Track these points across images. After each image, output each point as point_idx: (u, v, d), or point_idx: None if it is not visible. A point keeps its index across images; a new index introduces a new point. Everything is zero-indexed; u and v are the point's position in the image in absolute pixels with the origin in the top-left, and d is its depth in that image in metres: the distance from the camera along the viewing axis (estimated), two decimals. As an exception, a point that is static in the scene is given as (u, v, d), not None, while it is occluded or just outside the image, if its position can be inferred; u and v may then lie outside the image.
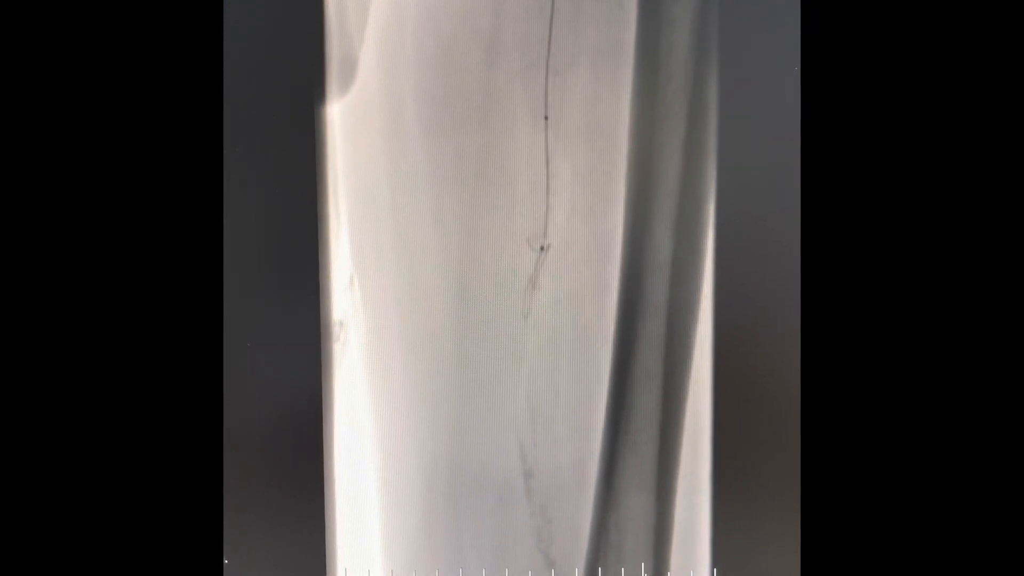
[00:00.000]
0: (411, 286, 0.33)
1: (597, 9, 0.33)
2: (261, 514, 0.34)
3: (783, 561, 0.34)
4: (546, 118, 0.31)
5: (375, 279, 0.33)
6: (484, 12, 0.33)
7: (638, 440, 0.34)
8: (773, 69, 0.33)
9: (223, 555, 0.34)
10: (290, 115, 0.33)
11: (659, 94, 0.33)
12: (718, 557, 0.34)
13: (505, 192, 0.33)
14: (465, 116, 0.33)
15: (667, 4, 0.33)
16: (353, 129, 0.33)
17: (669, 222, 0.33)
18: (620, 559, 0.34)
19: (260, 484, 0.34)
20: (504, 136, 0.33)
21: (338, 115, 0.33)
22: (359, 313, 0.33)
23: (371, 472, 0.34)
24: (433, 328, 0.33)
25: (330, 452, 0.34)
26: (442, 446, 0.34)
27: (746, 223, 0.33)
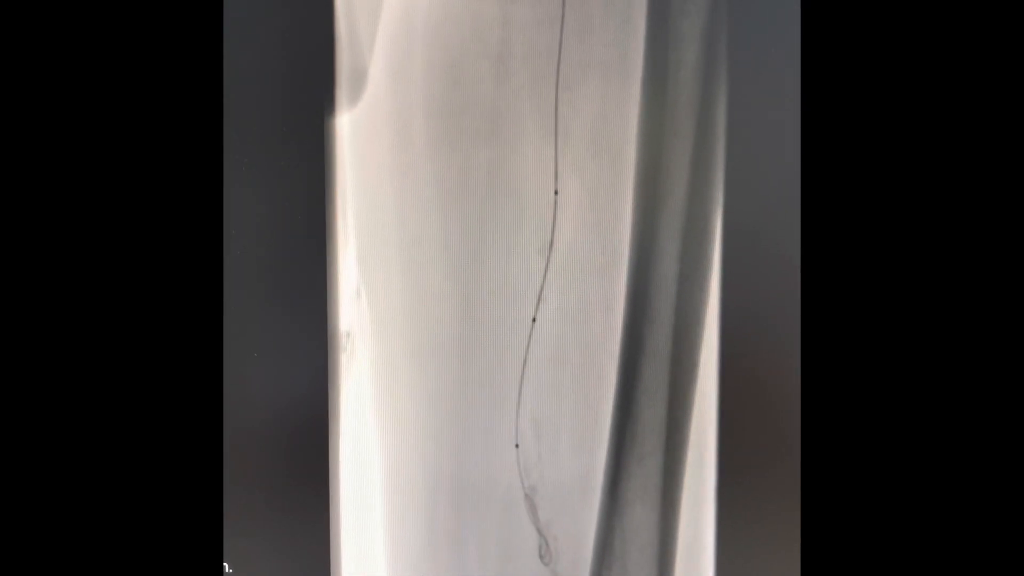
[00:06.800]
0: (418, 298, 0.33)
1: (606, 24, 0.33)
2: (265, 524, 0.34)
3: (786, 574, 0.34)
4: (556, 193, 0.32)
5: (382, 290, 0.33)
6: (493, 25, 0.33)
7: (643, 453, 0.34)
8: (781, 85, 0.33)
9: (225, 564, 0.34)
10: (298, 126, 0.33)
11: (667, 109, 0.33)
12: (722, 570, 0.34)
13: (513, 206, 0.33)
14: (474, 129, 0.33)
15: (676, 20, 0.33)
16: (362, 140, 0.33)
17: (676, 236, 0.33)
18: (624, 573, 0.34)
19: (265, 493, 0.34)
20: (512, 149, 0.33)
21: (347, 126, 0.33)
22: (366, 324, 0.34)
23: (376, 483, 0.34)
24: (440, 340, 0.33)
25: (335, 462, 0.34)
26: (447, 459, 0.34)
27: (752, 238, 0.34)
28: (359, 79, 0.33)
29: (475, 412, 0.34)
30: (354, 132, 0.33)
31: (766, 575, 0.34)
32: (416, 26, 0.33)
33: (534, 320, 0.30)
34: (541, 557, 0.34)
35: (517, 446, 0.33)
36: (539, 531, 0.33)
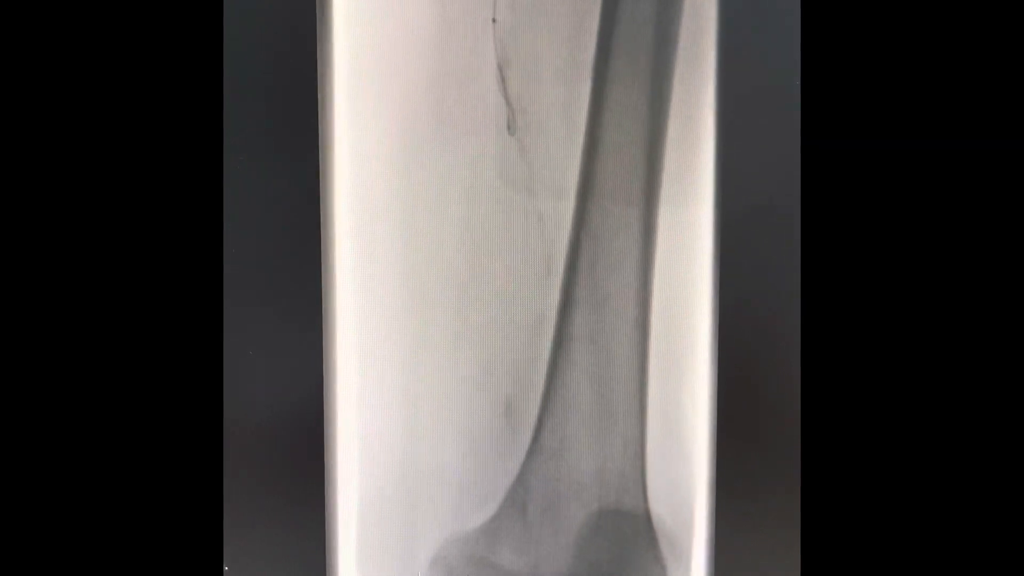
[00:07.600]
0: (415, 294, 0.33)
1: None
2: (262, 523, 0.34)
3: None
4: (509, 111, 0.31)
5: (379, 286, 0.33)
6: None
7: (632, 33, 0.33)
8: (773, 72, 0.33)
9: (223, 563, 0.34)
10: (293, 121, 0.33)
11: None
12: (721, 569, 0.34)
13: (511, 201, 0.33)
14: (473, 124, 0.33)
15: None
16: (358, 135, 0.33)
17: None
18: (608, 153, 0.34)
19: (261, 492, 0.34)
20: (515, 145, 0.33)
21: (343, 122, 0.33)
22: (363, 321, 0.33)
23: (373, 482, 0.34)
24: (437, 336, 0.33)
25: (332, 461, 0.34)
26: (447, 459, 0.34)
27: (748, 226, 0.34)
28: (357, 75, 0.33)
29: (473, 412, 0.33)
30: (350, 127, 0.33)
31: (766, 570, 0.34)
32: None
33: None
34: (508, 127, 0.32)
35: (494, 20, 0.31)
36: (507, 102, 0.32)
